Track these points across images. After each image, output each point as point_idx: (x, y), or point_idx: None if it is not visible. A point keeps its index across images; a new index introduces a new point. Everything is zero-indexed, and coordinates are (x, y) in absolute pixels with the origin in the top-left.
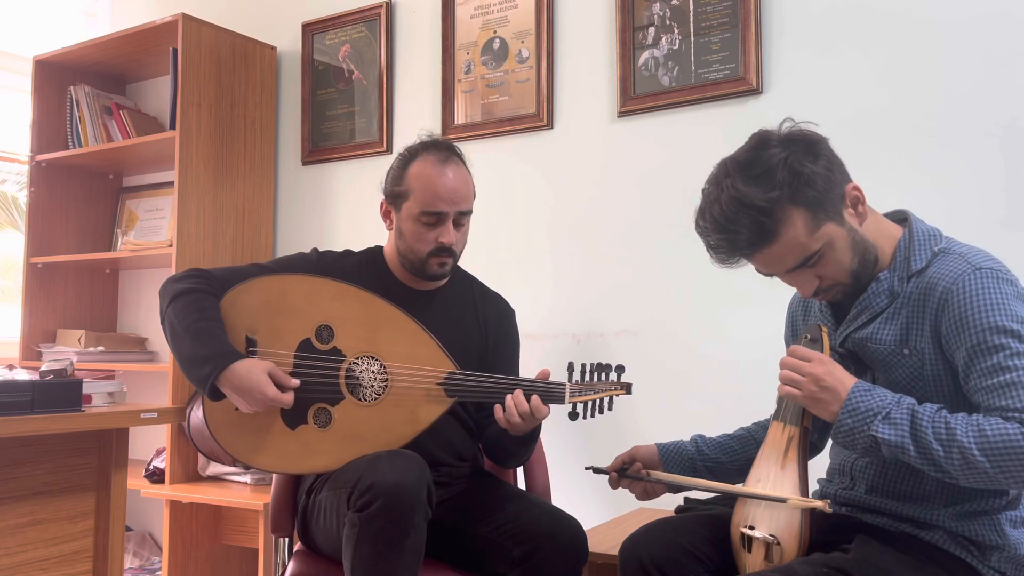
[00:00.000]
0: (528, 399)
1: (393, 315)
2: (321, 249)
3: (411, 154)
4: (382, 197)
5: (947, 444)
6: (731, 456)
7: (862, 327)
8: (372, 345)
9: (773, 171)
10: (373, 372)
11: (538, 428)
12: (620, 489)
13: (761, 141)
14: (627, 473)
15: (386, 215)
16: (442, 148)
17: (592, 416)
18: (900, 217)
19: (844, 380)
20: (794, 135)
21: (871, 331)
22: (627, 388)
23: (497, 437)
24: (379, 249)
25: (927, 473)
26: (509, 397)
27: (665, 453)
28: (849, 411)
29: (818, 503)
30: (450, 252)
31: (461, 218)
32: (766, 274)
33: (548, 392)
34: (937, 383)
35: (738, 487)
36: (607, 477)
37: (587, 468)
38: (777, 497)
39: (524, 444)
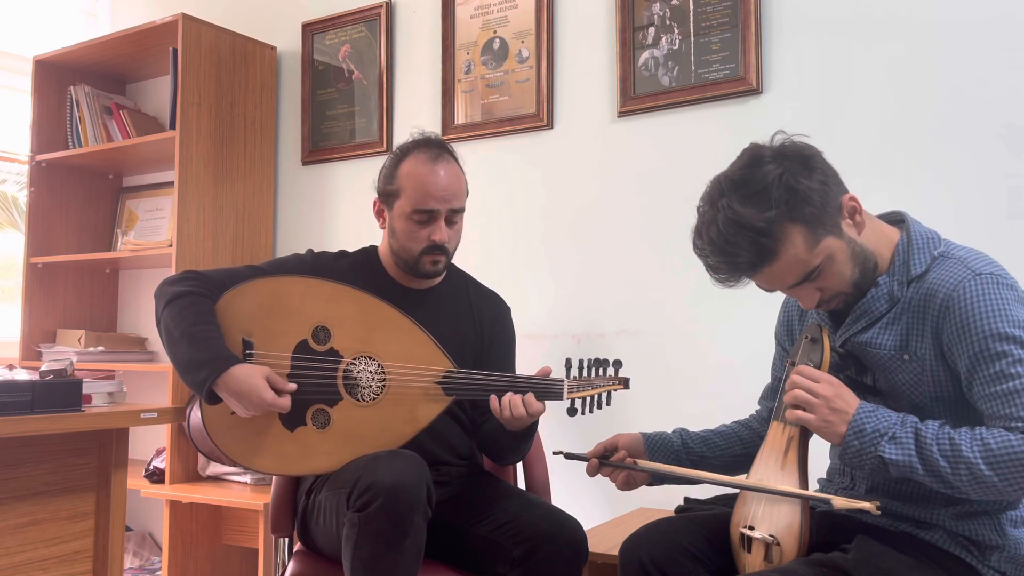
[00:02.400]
0: (524, 395)
1: (389, 314)
2: (316, 250)
3: (402, 152)
4: (375, 196)
5: (953, 460)
6: (715, 451)
7: (861, 331)
8: (369, 345)
9: (769, 189)
10: (371, 372)
11: (534, 425)
12: (622, 489)
13: (754, 158)
14: (610, 461)
15: (379, 214)
16: (433, 146)
17: (591, 411)
18: (896, 218)
19: (851, 401)
20: (787, 149)
21: (871, 336)
22: (625, 383)
23: (493, 434)
24: (373, 249)
25: (937, 489)
26: (505, 397)
27: (651, 443)
28: (855, 433)
29: (866, 504)
30: (443, 250)
31: (453, 216)
32: (768, 290)
33: (546, 389)
34: (938, 388)
35: (753, 481)
36: (586, 466)
37: (556, 453)
38: (822, 497)
39: (521, 440)
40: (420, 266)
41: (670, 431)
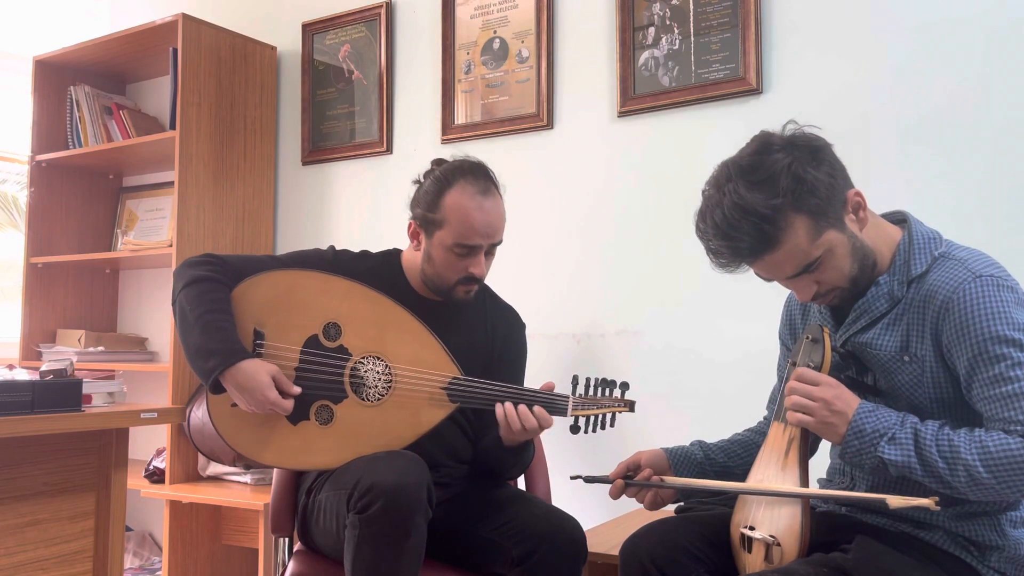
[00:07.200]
0: (531, 409)
1: (402, 317)
2: (338, 248)
3: (447, 180)
4: (410, 215)
5: (952, 461)
6: (735, 460)
7: (862, 331)
8: (379, 345)
9: (776, 177)
10: (378, 372)
11: (531, 443)
12: (650, 509)
13: (763, 145)
14: (635, 480)
15: (414, 236)
16: (480, 176)
17: (593, 431)
18: (899, 218)
19: (851, 402)
20: (797, 139)
21: (871, 336)
22: (630, 406)
23: (490, 450)
24: (397, 253)
25: (936, 489)
26: (511, 408)
27: (675, 458)
28: (855, 433)
29: (925, 501)
30: (478, 281)
31: (492, 249)
32: (766, 279)
33: (551, 404)
34: (938, 389)
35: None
36: (609, 488)
37: (574, 477)
38: (877, 498)
39: (518, 454)
40: (454, 294)
41: (687, 444)
